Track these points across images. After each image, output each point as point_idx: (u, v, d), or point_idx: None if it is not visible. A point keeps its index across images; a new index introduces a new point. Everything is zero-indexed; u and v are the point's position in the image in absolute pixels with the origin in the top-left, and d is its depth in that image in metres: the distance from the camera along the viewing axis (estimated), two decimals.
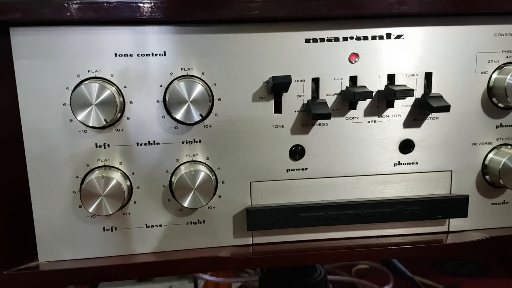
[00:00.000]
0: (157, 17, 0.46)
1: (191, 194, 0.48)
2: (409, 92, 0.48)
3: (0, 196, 0.47)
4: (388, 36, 0.50)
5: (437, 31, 0.51)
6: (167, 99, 0.46)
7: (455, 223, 0.56)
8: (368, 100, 0.51)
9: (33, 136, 0.47)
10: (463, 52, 0.51)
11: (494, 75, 0.52)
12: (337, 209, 0.51)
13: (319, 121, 0.51)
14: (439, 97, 0.50)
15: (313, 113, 0.48)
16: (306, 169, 0.52)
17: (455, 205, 0.53)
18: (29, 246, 0.50)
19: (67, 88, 0.46)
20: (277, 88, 0.48)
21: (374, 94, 0.51)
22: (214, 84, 0.49)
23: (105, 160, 0.49)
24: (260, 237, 0.53)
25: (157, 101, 0.48)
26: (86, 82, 0.46)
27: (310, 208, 0.51)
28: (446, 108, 0.49)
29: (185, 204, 0.48)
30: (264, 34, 0.49)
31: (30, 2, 0.43)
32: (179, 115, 0.46)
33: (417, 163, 0.54)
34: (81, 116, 0.45)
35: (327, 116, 0.48)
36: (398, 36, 0.50)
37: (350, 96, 0.49)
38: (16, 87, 0.46)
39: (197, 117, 0.47)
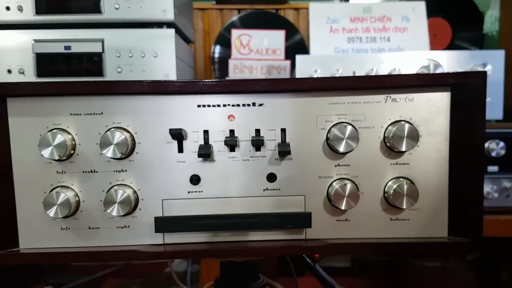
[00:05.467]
0: None
1: (115, 206, 0.72)
2: (257, 141, 0.73)
3: None
4: (254, 104, 0.75)
5: (287, 101, 0.76)
6: None
7: (310, 234, 0.79)
8: (242, 146, 0.76)
9: (20, 167, 0.74)
10: (306, 115, 0.76)
11: (331, 130, 0.76)
12: (219, 219, 0.75)
13: (214, 158, 0.76)
14: (287, 145, 0.75)
15: (198, 153, 0.73)
16: (201, 191, 0.77)
17: (301, 219, 0.76)
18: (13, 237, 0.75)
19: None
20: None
21: (245, 142, 0.76)
22: None
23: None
24: (169, 238, 0.78)
25: None
26: None
27: (200, 217, 0.75)
28: (286, 152, 0.74)
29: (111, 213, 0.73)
30: None
31: None
32: None
33: (279, 189, 0.78)
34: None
35: (207, 156, 0.73)
36: (261, 104, 0.76)
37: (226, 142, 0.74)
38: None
39: None
